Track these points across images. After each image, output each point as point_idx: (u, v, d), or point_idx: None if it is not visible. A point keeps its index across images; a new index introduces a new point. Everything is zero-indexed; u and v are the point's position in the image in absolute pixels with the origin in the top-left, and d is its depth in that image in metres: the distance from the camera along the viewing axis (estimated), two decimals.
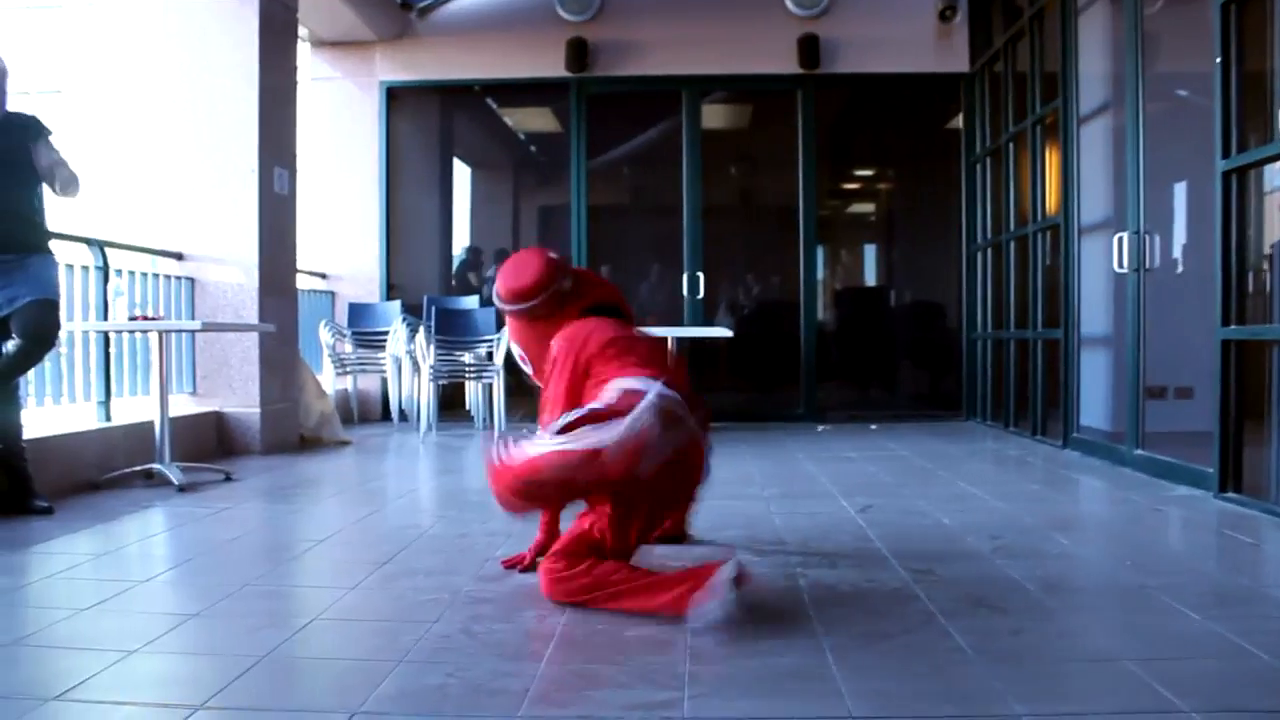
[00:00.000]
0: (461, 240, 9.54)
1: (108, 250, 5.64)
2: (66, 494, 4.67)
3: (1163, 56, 5.81)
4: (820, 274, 8.96)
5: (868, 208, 10.20)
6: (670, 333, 7.80)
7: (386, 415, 8.47)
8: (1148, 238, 5.34)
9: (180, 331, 5.97)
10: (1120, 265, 5.45)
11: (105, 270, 5.57)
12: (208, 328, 5.50)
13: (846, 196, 10.06)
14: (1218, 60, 4.49)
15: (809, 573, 3.20)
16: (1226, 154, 4.46)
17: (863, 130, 9.58)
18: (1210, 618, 2.68)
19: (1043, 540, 3.72)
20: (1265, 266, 5.77)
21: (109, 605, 2.85)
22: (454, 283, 9.27)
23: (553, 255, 3.31)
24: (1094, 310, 6.37)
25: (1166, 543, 3.92)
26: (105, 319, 5.42)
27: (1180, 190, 6.55)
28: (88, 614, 2.76)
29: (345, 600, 2.94)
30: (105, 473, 5.04)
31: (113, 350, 5.63)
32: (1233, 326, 4.44)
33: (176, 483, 4.88)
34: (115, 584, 3.10)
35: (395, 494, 5.12)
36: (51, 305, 4.33)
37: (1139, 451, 5.38)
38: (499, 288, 3.32)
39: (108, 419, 5.51)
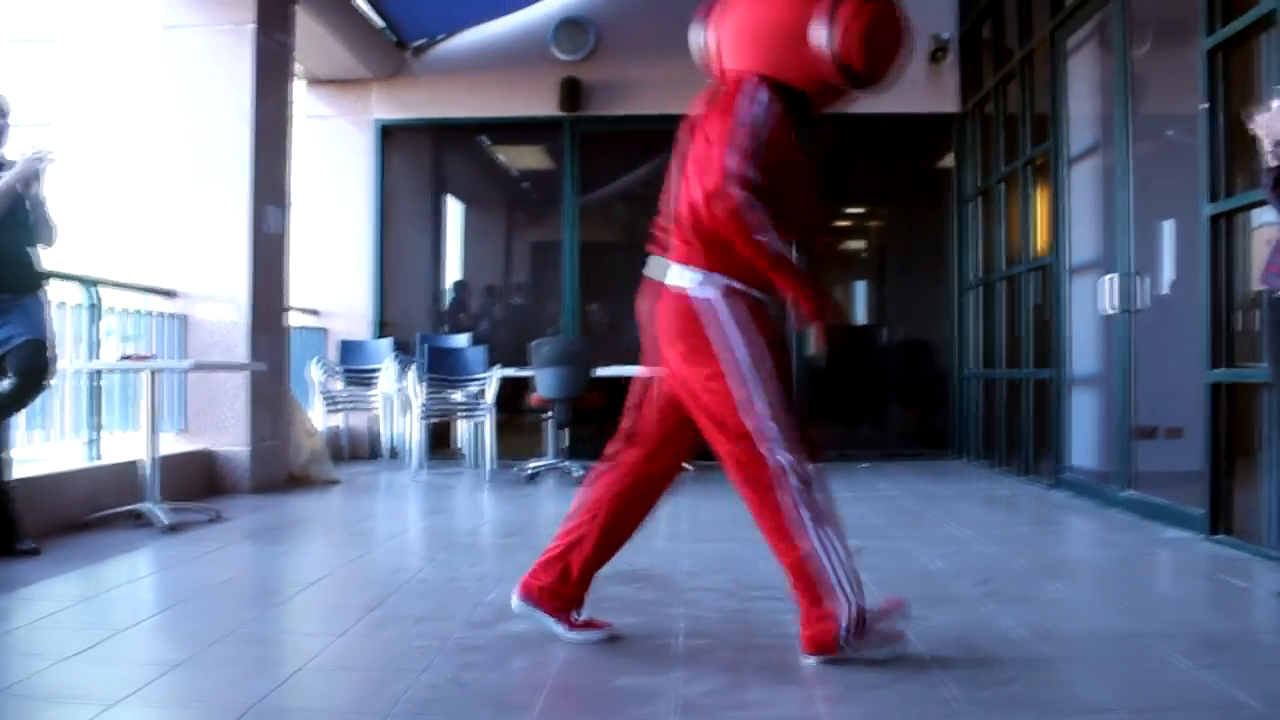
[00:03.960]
0: (454, 277, 9.55)
1: (100, 288, 5.63)
2: (54, 534, 4.63)
3: (1152, 98, 5.86)
4: None
5: (859, 245, 10.23)
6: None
7: (376, 453, 8.43)
8: (1137, 279, 5.37)
9: (171, 371, 5.95)
10: (1110, 307, 5.47)
11: (97, 308, 5.56)
12: (199, 367, 5.51)
13: (838, 234, 10.09)
14: (1204, 106, 4.54)
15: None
16: (1214, 198, 4.49)
17: (854, 169, 9.62)
18: (1202, 665, 2.67)
19: (1033, 585, 3.72)
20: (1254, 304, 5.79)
21: (95, 652, 2.83)
22: (444, 321, 9.26)
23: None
24: (1084, 350, 6.39)
25: (1158, 587, 3.91)
26: (96, 357, 5.41)
27: (1170, 228, 6.58)
28: (73, 662, 2.73)
29: (334, 647, 2.92)
30: (93, 512, 5.00)
31: (103, 386, 5.60)
32: (1221, 369, 4.46)
33: (164, 523, 4.85)
34: (101, 630, 3.07)
35: (385, 535, 5.10)
36: (44, 344, 4.35)
37: (1128, 493, 5.38)
38: None
39: (96, 457, 5.48)
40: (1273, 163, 3.39)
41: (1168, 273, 6.59)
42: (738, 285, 2.74)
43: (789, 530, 2.68)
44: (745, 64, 2.76)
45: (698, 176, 2.64)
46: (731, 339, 2.72)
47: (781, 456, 2.69)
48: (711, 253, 2.72)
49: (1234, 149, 4.45)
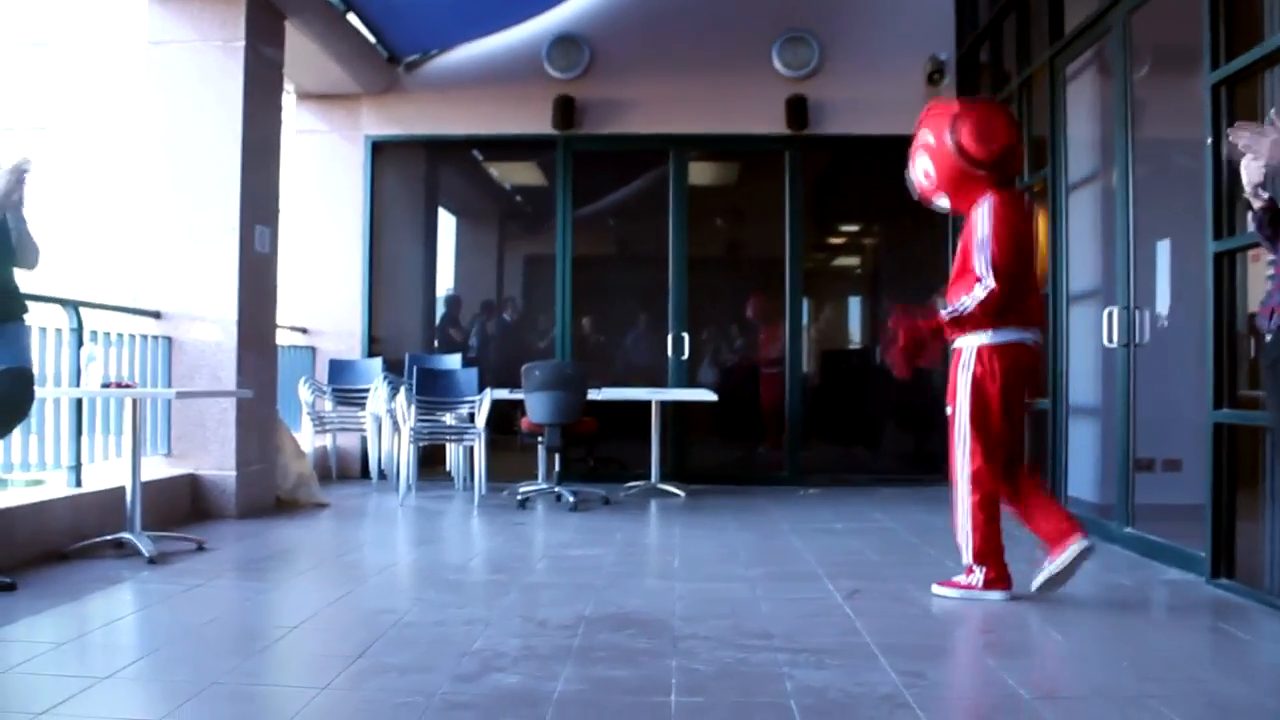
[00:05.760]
0: (445, 292, 9.45)
1: (82, 310, 5.52)
2: (34, 565, 4.53)
3: (1153, 122, 5.78)
4: (806, 329, 8.88)
5: (854, 266, 10.16)
6: (654, 395, 7.72)
7: (366, 473, 8.33)
8: (1137, 313, 5.29)
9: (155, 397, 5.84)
10: (1110, 340, 5.40)
11: (79, 332, 5.45)
12: (183, 395, 5.39)
13: (833, 252, 10.02)
14: (1208, 141, 4.47)
15: (796, 673, 3.09)
16: (1219, 235, 4.42)
17: (850, 190, 9.54)
18: None
19: (1035, 635, 3.63)
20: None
21: (66, 709, 2.72)
22: (436, 336, 9.16)
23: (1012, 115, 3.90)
24: (1082, 380, 6.31)
25: (1162, 641, 3.77)
26: (78, 384, 5.30)
27: (1166, 251, 6.49)
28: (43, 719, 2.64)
29: (315, 703, 2.82)
30: (75, 541, 4.90)
31: (85, 413, 5.49)
32: (1225, 410, 4.38)
33: (147, 554, 4.75)
34: (76, 680, 2.97)
35: (372, 569, 5.00)
36: (27, 375, 4.24)
37: (1129, 530, 5.30)
38: (969, 146, 3.82)
39: (78, 484, 5.37)
40: (1255, 205, 3.33)
41: (1165, 298, 6.51)
42: None
43: None
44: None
45: None
46: None
47: None
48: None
49: (1238, 185, 4.37)
